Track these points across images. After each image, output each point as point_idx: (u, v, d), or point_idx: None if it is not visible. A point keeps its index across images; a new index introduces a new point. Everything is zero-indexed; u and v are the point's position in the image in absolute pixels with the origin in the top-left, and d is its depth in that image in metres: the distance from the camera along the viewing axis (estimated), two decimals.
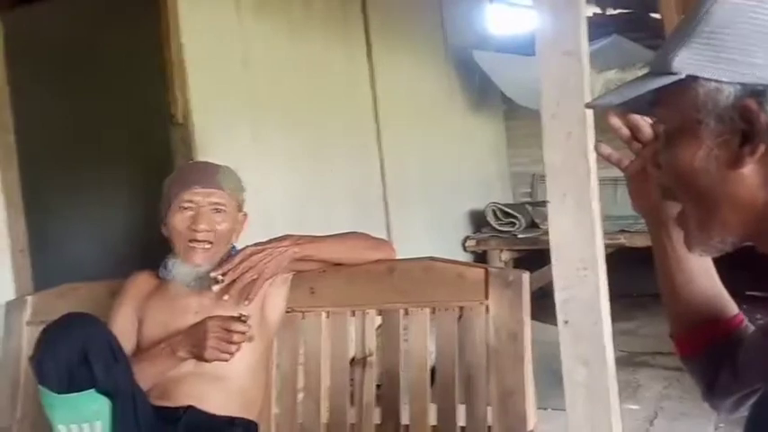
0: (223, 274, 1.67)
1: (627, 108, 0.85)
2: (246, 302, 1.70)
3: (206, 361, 1.62)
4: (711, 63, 0.71)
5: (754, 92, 0.69)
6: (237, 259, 1.69)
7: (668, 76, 0.73)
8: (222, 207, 1.78)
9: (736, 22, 0.69)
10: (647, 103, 0.79)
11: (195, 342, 1.62)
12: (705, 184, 0.74)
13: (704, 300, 0.98)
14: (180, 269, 1.77)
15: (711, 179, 0.74)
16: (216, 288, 1.67)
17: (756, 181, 0.72)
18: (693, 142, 0.74)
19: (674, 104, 0.75)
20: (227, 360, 1.61)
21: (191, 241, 1.75)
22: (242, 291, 1.68)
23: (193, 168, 1.90)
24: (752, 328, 0.99)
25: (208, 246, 1.76)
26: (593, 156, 1.57)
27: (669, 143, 0.78)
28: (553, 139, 1.60)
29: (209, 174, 1.81)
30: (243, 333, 1.62)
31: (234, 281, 1.68)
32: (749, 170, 0.71)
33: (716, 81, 0.71)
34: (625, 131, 0.98)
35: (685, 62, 0.72)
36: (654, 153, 0.85)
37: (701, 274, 0.97)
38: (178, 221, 1.76)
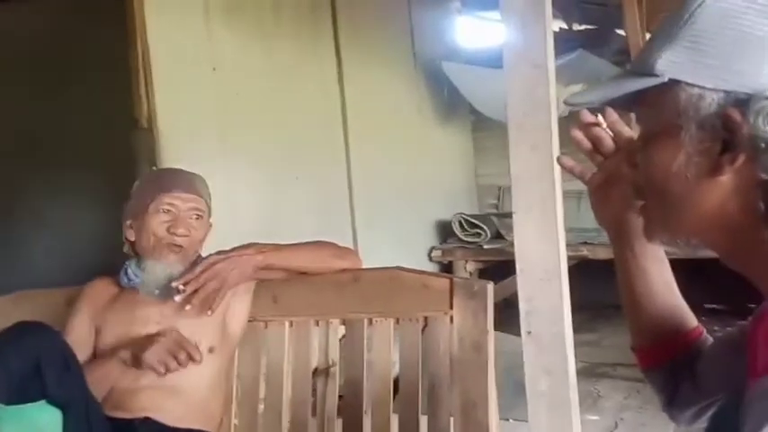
0: (185, 284, 1.64)
1: (606, 103, 0.82)
2: (209, 312, 1.67)
3: (141, 364, 1.61)
4: (695, 67, 0.69)
5: (737, 100, 0.68)
6: (200, 268, 1.66)
7: (650, 77, 0.72)
8: (200, 213, 1.77)
9: (722, 27, 0.68)
10: (627, 101, 0.77)
11: (142, 347, 1.61)
12: (679, 189, 0.74)
13: (665, 313, 0.98)
14: (152, 269, 1.73)
15: (686, 185, 0.73)
16: (178, 298, 1.64)
17: (730, 189, 0.71)
18: (672, 146, 0.73)
19: (655, 106, 0.74)
20: (161, 372, 1.60)
21: (168, 244, 1.73)
22: (204, 300, 1.66)
23: (171, 172, 1.90)
24: (710, 339, 1.00)
25: (181, 249, 1.74)
26: (558, 167, 1.58)
27: (648, 144, 0.77)
28: (519, 150, 1.61)
29: (188, 179, 1.80)
30: (191, 358, 1.63)
31: (196, 290, 1.65)
32: (725, 179, 0.71)
33: (699, 87, 0.69)
34: (587, 144, 0.99)
35: (668, 65, 0.70)
36: (630, 152, 0.84)
37: (662, 287, 0.98)
38: (155, 224, 1.73)
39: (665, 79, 0.71)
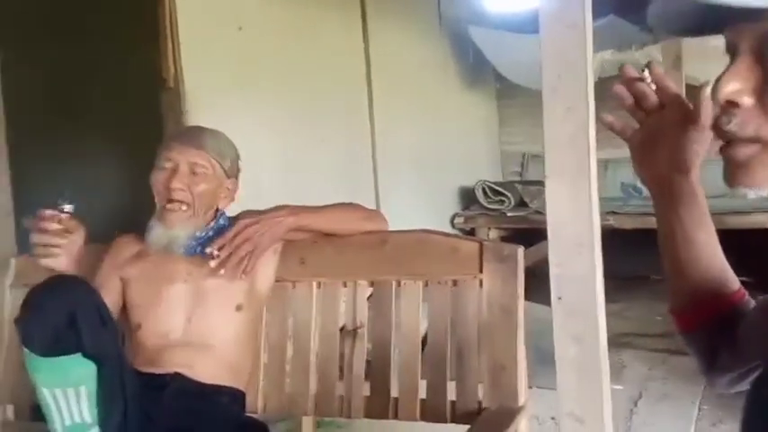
0: (219, 249, 1.63)
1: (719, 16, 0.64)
2: (243, 276, 1.67)
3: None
4: None
5: None
6: (232, 232, 1.65)
7: None
8: (201, 169, 1.71)
9: None
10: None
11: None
12: None
13: (707, 275, 0.96)
14: (154, 231, 1.71)
15: None
16: (213, 263, 1.63)
17: None
18: None
19: None
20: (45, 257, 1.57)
21: (168, 201, 1.69)
22: (237, 264, 1.65)
23: (185, 130, 1.87)
24: (752, 303, 0.98)
25: (185, 208, 1.69)
26: (593, 132, 1.55)
27: None
28: (553, 113, 1.57)
29: (193, 134, 1.77)
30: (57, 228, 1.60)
31: (230, 254, 1.64)
32: None
33: None
34: (629, 99, 0.96)
35: None
36: (744, 88, 0.67)
37: (706, 249, 0.95)
38: (156, 179, 1.71)
39: None
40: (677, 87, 0.93)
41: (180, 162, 1.70)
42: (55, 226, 1.59)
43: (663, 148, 0.93)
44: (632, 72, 0.95)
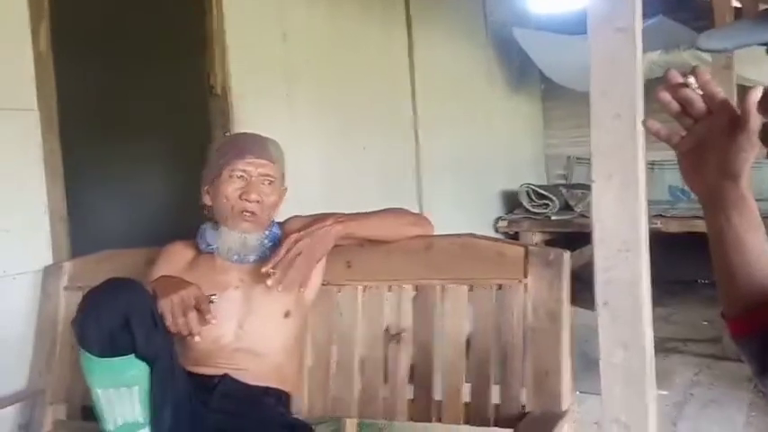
0: (273, 267, 1.65)
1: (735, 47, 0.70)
2: (302, 290, 1.69)
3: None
4: None
5: None
6: (284, 249, 1.66)
7: None
8: (272, 179, 1.78)
9: None
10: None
11: (163, 293, 1.55)
12: None
13: (760, 281, 0.95)
14: (226, 236, 1.76)
15: None
16: (270, 282, 1.64)
17: None
18: None
19: None
20: (171, 327, 1.52)
21: (244, 211, 1.74)
22: (294, 280, 1.66)
23: (247, 138, 1.87)
24: None
25: (255, 216, 1.75)
26: (641, 136, 1.53)
27: None
28: (601, 118, 1.56)
29: (262, 145, 1.80)
30: (203, 318, 1.56)
31: (285, 269, 1.65)
32: None
33: None
34: (675, 106, 0.94)
35: None
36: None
37: (758, 256, 0.94)
38: (230, 190, 1.74)
39: None
40: (724, 92, 0.92)
41: (254, 174, 1.75)
42: (201, 318, 1.57)
43: (711, 155, 0.91)
44: (677, 77, 0.93)
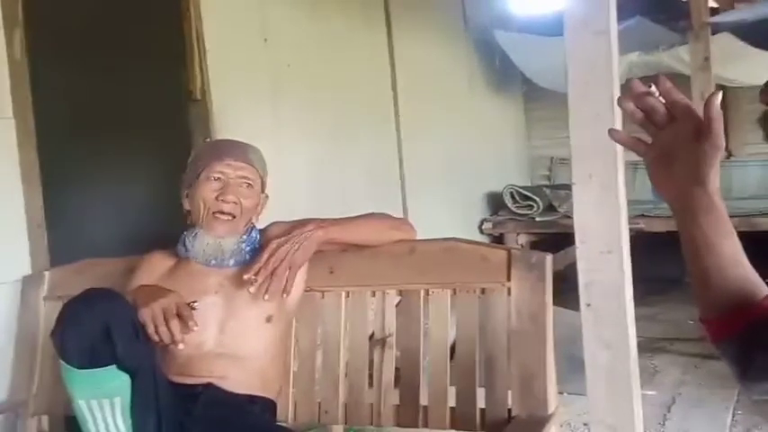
0: (255, 275, 1.65)
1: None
2: (285, 295, 1.69)
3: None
4: None
5: None
6: (265, 256, 1.66)
7: None
8: (250, 181, 1.78)
9: None
10: None
11: (143, 302, 1.52)
12: None
13: (734, 284, 0.95)
14: (201, 240, 1.75)
15: None
16: (252, 289, 1.64)
17: None
18: None
19: None
20: (153, 337, 1.49)
21: (216, 213, 1.74)
22: (277, 287, 1.66)
23: (225, 142, 1.89)
24: None
25: (232, 219, 1.75)
26: None
27: None
28: (580, 120, 1.57)
29: (240, 149, 1.81)
30: (186, 325, 1.52)
31: (268, 277, 1.65)
32: None
33: None
34: (638, 114, 0.94)
35: None
36: None
37: (730, 259, 0.94)
38: (206, 191, 1.74)
39: None
40: (686, 100, 0.92)
41: (232, 176, 1.75)
42: (183, 327, 1.52)
43: (678, 161, 0.92)
44: (639, 87, 0.93)
